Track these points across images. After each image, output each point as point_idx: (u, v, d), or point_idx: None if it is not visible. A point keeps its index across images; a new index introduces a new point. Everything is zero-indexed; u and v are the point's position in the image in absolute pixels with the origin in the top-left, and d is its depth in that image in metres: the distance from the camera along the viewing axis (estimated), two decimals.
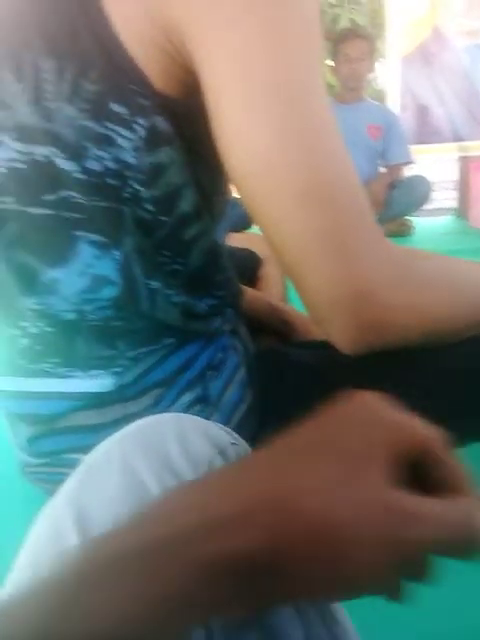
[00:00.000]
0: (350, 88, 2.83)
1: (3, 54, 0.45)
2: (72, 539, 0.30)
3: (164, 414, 0.37)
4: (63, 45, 0.43)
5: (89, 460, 0.35)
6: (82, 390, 0.52)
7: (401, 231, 2.92)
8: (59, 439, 0.54)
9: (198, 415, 0.38)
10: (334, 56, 2.80)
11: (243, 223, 1.68)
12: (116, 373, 0.52)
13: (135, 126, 0.43)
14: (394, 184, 2.91)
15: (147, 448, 0.32)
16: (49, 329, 0.51)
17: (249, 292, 0.80)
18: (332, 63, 2.86)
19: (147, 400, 0.53)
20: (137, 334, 0.53)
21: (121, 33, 0.41)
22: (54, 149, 0.44)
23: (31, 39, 0.43)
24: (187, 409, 0.54)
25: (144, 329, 0.53)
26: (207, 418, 0.37)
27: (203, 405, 0.55)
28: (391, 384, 0.62)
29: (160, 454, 0.32)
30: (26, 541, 0.32)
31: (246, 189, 0.41)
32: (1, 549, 0.44)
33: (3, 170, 0.47)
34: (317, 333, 0.79)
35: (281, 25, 0.38)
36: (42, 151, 0.45)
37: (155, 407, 0.53)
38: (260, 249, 1.05)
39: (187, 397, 0.54)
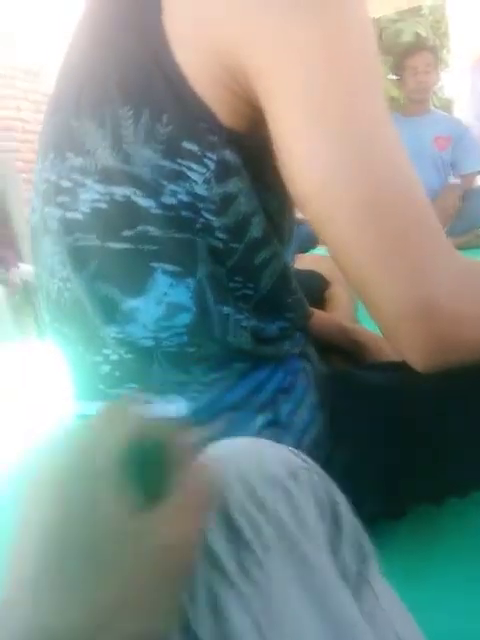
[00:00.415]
0: (416, 100, 2.79)
1: (88, 107, 0.49)
2: None
3: (241, 438, 0.38)
4: (138, 94, 0.46)
5: None
6: (160, 415, 0.54)
7: (475, 243, 2.81)
8: None
9: (269, 438, 0.39)
10: (399, 70, 2.77)
11: (309, 243, 1.68)
12: (191, 398, 0.54)
13: (206, 160, 0.46)
14: (466, 195, 2.81)
15: (227, 471, 0.33)
16: (128, 356, 0.54)
17: (318, 314, 0.81)
18: (396, 77, 2.83)
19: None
20: (210, 359, 0.54)
21: (190, 77, 0.44)
22: (133, 188, 0.48)
23: (111, 91, 0.47)
24: (259, 432, 0.55)
25: (216, 354, 0.54)
26: (278, 441, 0.38)
27: (274, 428, 0.55)
28: (465, 405, 0.61)
29: (241, 477, 0.32)
30: None
31: (311, 210, 0.43)
32: None
33: (87, 210, 0.51)
34: (390, 353, 0.78)
35: (343, 56, 0.39)
36: (121, 191, 0.49)
37: (228, 431, 0.54)
38: (326, 270, 1.05)
39: (259, 420, 0.55)
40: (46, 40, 3.76)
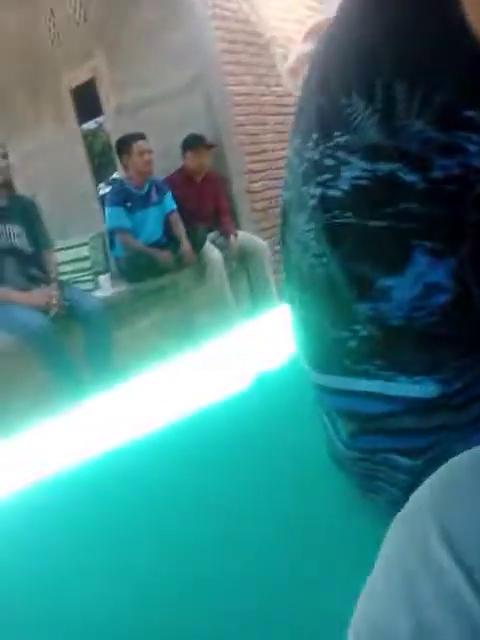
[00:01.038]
0: None
1: (357, 83, 0.49)
2: (443, 560, 0.30)
3: None
4: (415, 65, 0.44)
5: (446, 473, 0.35)
6: (404, 394, 0.53)
7: None
8: (380, 438, 0.56)
9: None
10: None
11: None
12: (440, 380, 0.51)
13: None
14: None
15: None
16: (378, 333, 0.54)
17: None
18: None
19: (475, 410, 0.51)
20: (463, 343, 0.51)
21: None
22: (398, 164, 0.46)
23: (383, 65, 0.46)
24: None
25: (471, 338, 0.51)
26: None
27: None
28: None
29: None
30: (384, 547, 0.34)
31: None
32: None
33: (347, 188, 0.51)
34: None
35: None
36: (387, 167, 0.48)
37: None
38: None
39: None
40: (269, 14, 3.84)
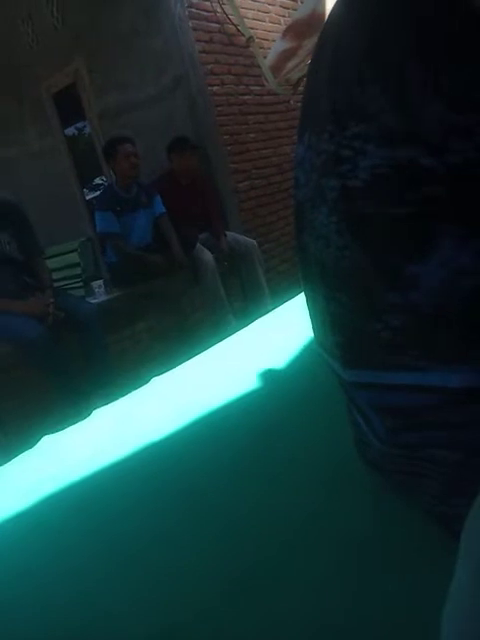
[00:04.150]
0: None
1: (371, 72, 0.49)
2: None
3: None
4: (429, 48, 0.44)
5: None
6: (442, 384, 0.53)
7: None
8: (422, 433, 0.56)
9: None
10: None
11: None
12: (477, 368, 0.51)
13: None
14: None
15: None
16: (410, 322, 0.53)
17: None
18: None
19: None
20: None
21: None
22: (416, 149, 0.46)
23: (396, 51, 0.46)
24: None
25: None
26: None
27: None
28: None
29: None
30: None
31: None
32: None
33: (366, 177, 0.51)
34: None
35: None
36: (404, 153, 0.47)
37: None
38: None
39: None
40: (246, 13, 3.84)
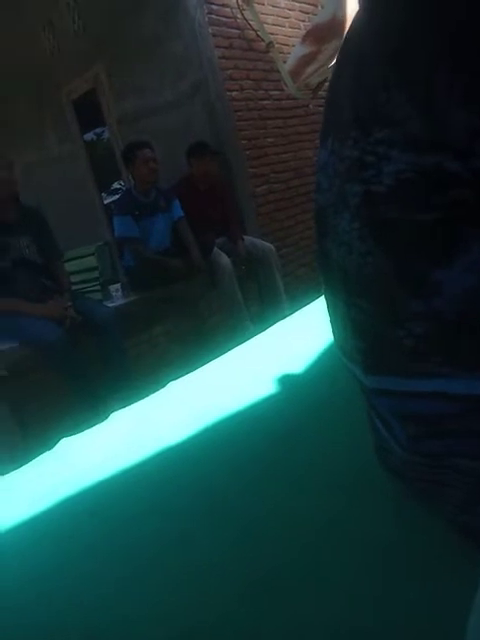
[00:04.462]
0: None
1: (397, 76, 0.49)
2: None
3: None
4: (457, 53, 0.44)
5: None
6: (467, 391, 0.52)
7: None
8: (446, 441, 0.55)
9: None
10: None
11: None
12: None
13: None
14: None
15: None
16: (433, 329, 0.53)
17: None
18: None
19: None
20: None
21: None
22: (442, 155, 0.46)
23: (422, 56, 0.46)
24: None
25: None
26: None
27: None
28: None
29: None
30: None
31: None
32: None
33: (391, 182, 0.50)
34: None
35: None
36: (430, 159, 0.47)
37: None
38: None
39: None
40: (266, 19, 3.86)
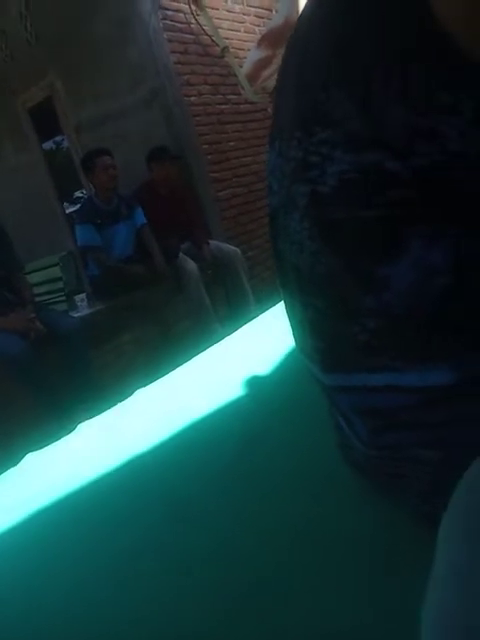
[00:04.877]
0: None
1: (335, 77, 0.49)
2: None
3: None
4: (390, 51, 0.45)
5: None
6: (422, 384, 0.53)
7: None
8: (403, 433, 0.56)
9: None
10: None
11: None
12: (457, 366, 0.52)
13: (461, 108, 0.43)
14: None
15: None
16: (385, 324, 0.54)
17: None
18: None
19: None
20: (473, 328, 0.52)
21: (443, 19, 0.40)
22: (382, 153, 0.47)
23: (359, 55, 0.46)
24: None
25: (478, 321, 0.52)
26: None
27: None
28: None
29: None
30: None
31: None
32: None
33: (334, 183, 0.51)
34: None
35: None
36: (370, 157, 0.48)
37: None
38: None
39: None
40: (221, 24, 3.87)
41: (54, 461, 1.32)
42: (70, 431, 1.46)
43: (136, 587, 0.79)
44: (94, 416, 1.52)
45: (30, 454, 1.37)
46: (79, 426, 1.47)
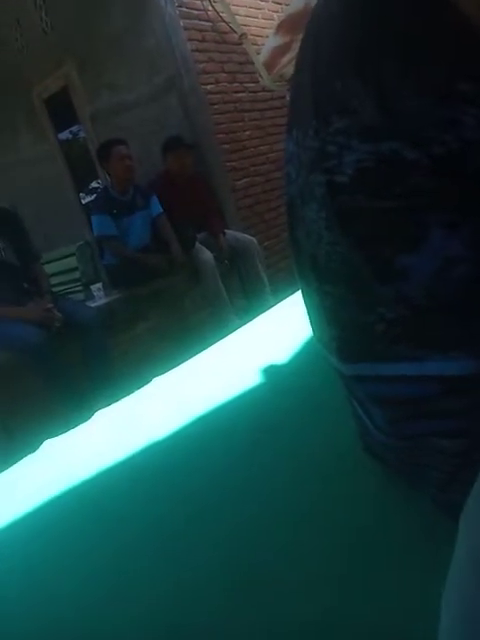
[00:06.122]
0: None
1: (351, 66, 0.49)
2: None
3: None
4: (407, 41, 0.44)
5: None
6: (441, 373, 0.52)
7: None
8: (423, 423, 0.56)
9: None
10: None
11: None
12: (476, 354, 0.51)
13: (478, 97, 0.43)
14: None
15: None
16: (404, 314, 0.53)
17: None
18: None
19: None
20: None
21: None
22: (399, 142, 0.46)
23: (375, 44, 0.46)
24: None
25: None
26: None
27: None
28: None
29: None
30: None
31: None
32: None
33: (352, 172, 0.51)
34: None
35: None
36: (387, 146, 0.47)
37: None
38: None
39: None
40: (239, 11, 3.83)
41: (72, 448, 1.34)
42: (87, 419, 1.47)
43: (154, 570, 0.80)
44: (111, 404, 1.53)
45: (48, 441, 1.39)
46: (96, 414, 1.49)
